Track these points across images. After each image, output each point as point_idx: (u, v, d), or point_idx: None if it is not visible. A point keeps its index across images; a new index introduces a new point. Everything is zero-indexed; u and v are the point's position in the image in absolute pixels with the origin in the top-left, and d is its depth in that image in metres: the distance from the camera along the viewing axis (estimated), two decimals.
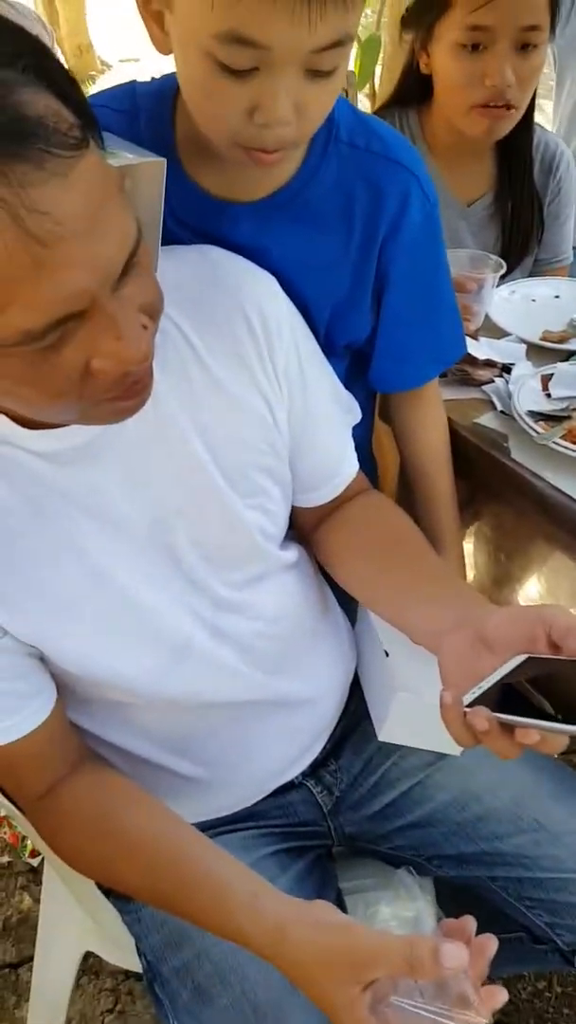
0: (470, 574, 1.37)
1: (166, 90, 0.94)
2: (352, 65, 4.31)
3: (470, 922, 0.76)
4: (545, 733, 0.68)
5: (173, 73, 0.90)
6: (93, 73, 8.10)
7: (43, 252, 0.58)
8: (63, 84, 0.61)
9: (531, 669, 0.73)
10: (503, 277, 1.50)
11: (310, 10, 0.73)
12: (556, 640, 0.73)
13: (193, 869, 0.81)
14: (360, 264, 1.03)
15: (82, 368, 0.66)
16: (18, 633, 0.81)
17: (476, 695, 0.73)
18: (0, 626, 0.80)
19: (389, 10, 4.38)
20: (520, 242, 1.63)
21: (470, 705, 0.72)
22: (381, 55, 4.49)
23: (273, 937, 0.75)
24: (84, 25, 8.04)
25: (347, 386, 1.06)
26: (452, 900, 1.11)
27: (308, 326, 0.99)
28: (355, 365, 1.15)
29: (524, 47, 1.38)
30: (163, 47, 0.84)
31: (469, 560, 1.35)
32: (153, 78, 0.99)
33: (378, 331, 1.09)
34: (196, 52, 0.78)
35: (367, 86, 4.73)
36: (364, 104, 4.93)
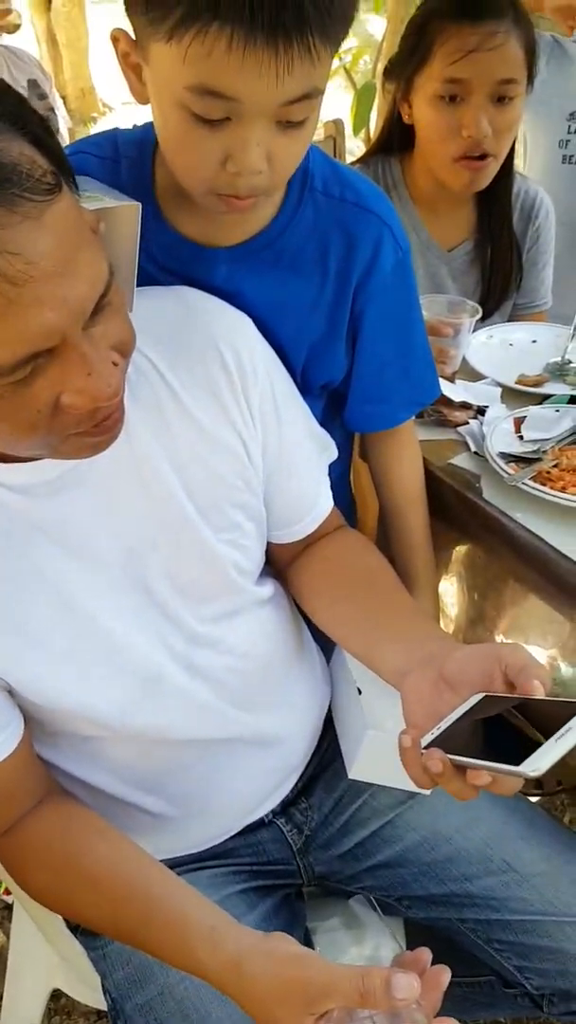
0: (447, 613, 1.38)
1: (147, 138, 0.97)
2: (348, 112, 4.42)
3: (425, 953, 0.76)
4: (496, 775, 0.69)
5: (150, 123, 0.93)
6: (95, 115, 8.25)
7: (13, 291, 0.60)
8: (39, 132, 0.64)
9: (489, 708, 0.74)
10: (482, 321, 1.53)
11: (277, 65, 0.75)
12: (511, 678, 0.75)
13: (154, 903, 0.81)
14: (334, 308, 1.05)
15: (52, 403, 0.68)
16: None
17: (434, 736, 0.73)
18: None
19: (384, 59, 4.50)
20: (499, 287, 1.66)
21: (427, 747, 0.73)
22: (376, 102, 4.60)
23: (230, 970, 0.75)
24: (87, 69, 8.21)
25: (324, 425, 1.08)
26: (422, 942, 1.10)
27: (285, 367, 1.01)
28: (332, 405, 1.17)
29: (501, 99, 1.41)
30: (141, 97, 0.87)
31: (444, 599, 1.36)
32: (135, 126, 1.02)
33: (353, 373, 1.12)
34: (170, 103, 0.81)
35: (363, 132, 4.84)
36: (360, 150, 5.03)
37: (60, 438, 0.72)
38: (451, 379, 1.40)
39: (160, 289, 0.95)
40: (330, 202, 1.00)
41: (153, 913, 0.80)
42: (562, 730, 0.66)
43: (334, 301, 1.05)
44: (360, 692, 1.02)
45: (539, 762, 0.64)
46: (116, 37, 0.85)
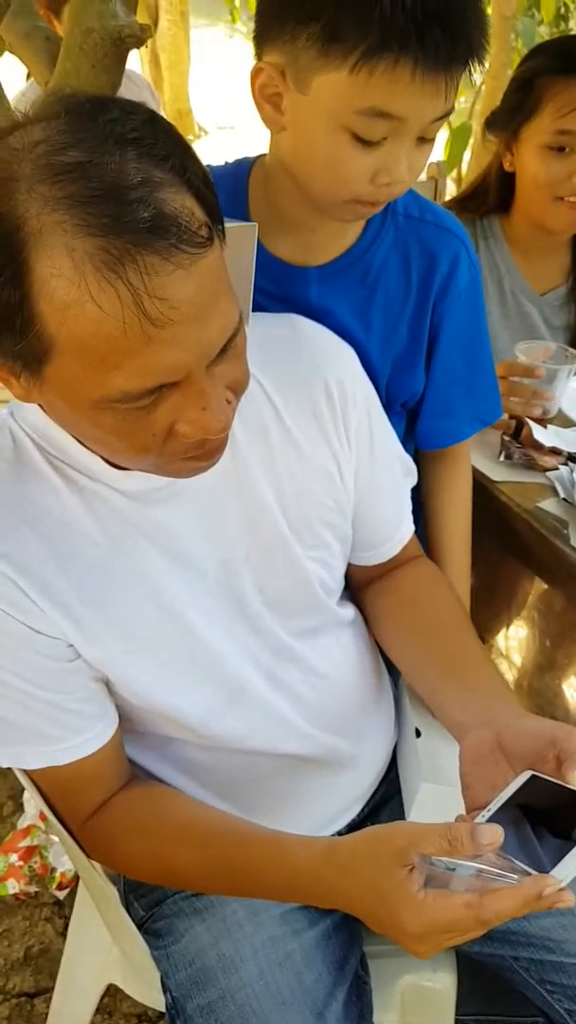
0: (513, 657, 1.39)
1: (240, 171, 1.07)
2: (442, 152, 4.47)
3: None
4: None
5: (244, 158, 1.07)
6: (191, 138, 8.44)
7: (154, 331, 0.66)
8: (200, 185, 0.69)
9: (535, 793, 0.77)
10: None
11: (445, 88, 0.87)
12: (562, 759, 0.77)
13: (245, 829, 0.86)
14: (416, 322, 1.12)
15: (167, 429, 0.73)
16: (88, 657, 0.86)
17: (486, 818, 0.76)
18: (74, 648, 0.85)
19: (482, 101, 4.55)
20: None
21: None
22: (471, 143, 4.64)
23: (323, 850, 0.79)
24: (186, 92, 8.40)
25: (405, 445, 1.13)
26: (473, 977, 1.12)
27: (372, 383, 1.05)
28: (408, 425, 1.22)
29: None
30: (276, 125, 0.96)
31: (513, 643, 1.38)
32: (226, 162, 1.11)
33: (428, 388, 1.17)
34: (331, 126, 0.90)
35: (454, 171, 4.88)
36: (451, 189, 5.07)
37: (167, 459, 0.77)
38: (544, 424, 1.42)
39: (273, 316, 1.00)
40: (410, 222, 1.09)
41: (246, 837, 0.85)
42: None
43: (415, 315, 1.12)
44: (419, 734, 1.04)
45: (567, 871, 0.68)
46: (260, 70, 0.92)
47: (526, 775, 0.78)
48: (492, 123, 1.58)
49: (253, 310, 1.03)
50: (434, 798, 0.98)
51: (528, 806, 0.76)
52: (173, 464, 0.78)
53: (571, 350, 1.47)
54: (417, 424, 1.21)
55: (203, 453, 0.78)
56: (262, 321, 0.97)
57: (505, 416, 1.42)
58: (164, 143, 0.67)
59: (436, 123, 0.92)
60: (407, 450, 1.15)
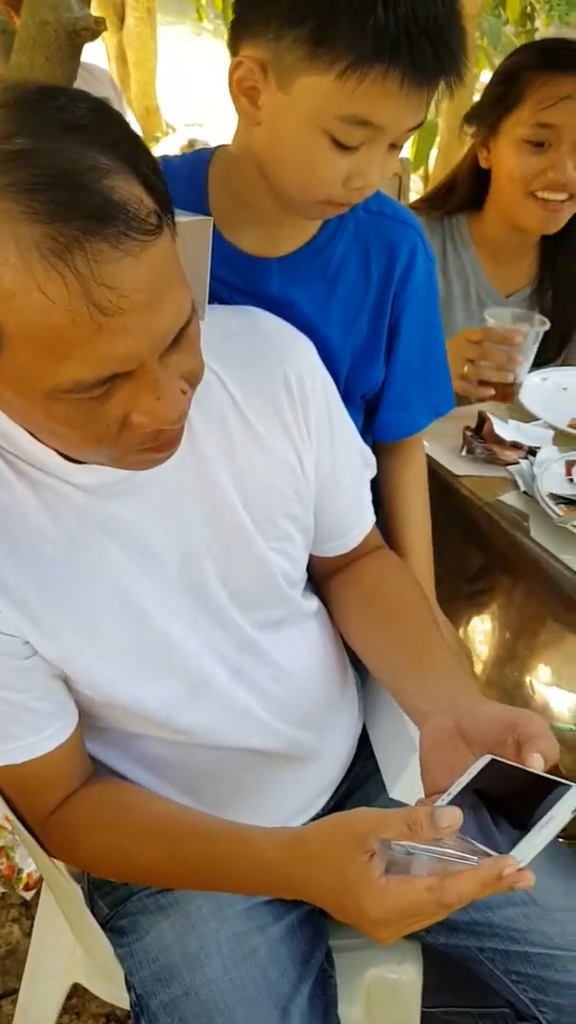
0: (477, 649, 1.40)
1: (200, 161, 1.07)
2: (409, 150, 4.48)
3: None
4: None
5: (204, 148, 1.07)
6: (158, 135, 8.41)
7: (104, 320, 0.65)
8: (149, 173, 0.68)
9: (495, 777, 0.77)
10: (542, 367, 1.56)
11: (426, 97, 0.89)
12: (521, 743, 0.78)
13: (213, 824, 0.86)
14: (376, 314, 1.13)
15: (121, 420, 0.73)
16: (46, 654, 0.85)
17: (447, 802, 0.76)
18: (31, 645, 0.84)
19: (448, 99, 4.57)
20: (561, 332, 1.69)
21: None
22: (437, 140, 4.66)
23: (290, 840, 0.80)
24: (153, 89, 8.38)
25: (363, 437, 1.13)
26: (440, 969, 1.12)
27: (332, 374, 1.05)
28: (367, 417, 1.23)
29: None
30: (252, 120, 0.95)
31: (475, 635, 1.39)
32: (185, 153, 1.11)
33: (387, 379, 1.19)
34: (310, 128, 0.90)
35: (421, 169, 4.90)
36: (418, 186, 5.10)
37: (123, 451, 0.77)
38: (515, 392, 1.44)
39: (231, 309, 1.00)
40: (369, 216, 1.10)
41: (212, 832, 0.85)
42: (546, 817, 0.70)
43: (375, 307, 1.13)
44: None
45: (526, 851, 0.68)
46: (239, 63, 0.92)
47: (485, 759, 0.79)
48: (472, 116, 1.59)
49: (213, 301, 1.03)
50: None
51: (488, 790, 0.76)
52: (129, 456, 0.78)
53: (538, 315, 1.48)
54: (376, 416, 1.22)
55: (159, 444, 0.78)
56: (220, 314, 0.97)
57: (475, 384, 1.43)
58: (112, 131, 0.67)
59: (410, 132, 0.94)
60: (365, 442, 1.15)
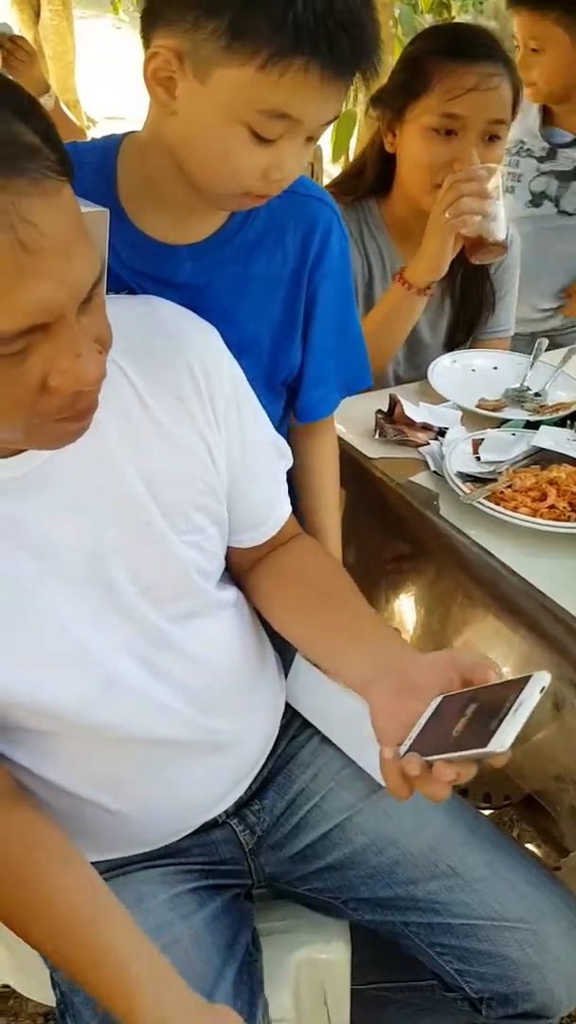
0: (394, 627, 1.42)
1: (109, 147, 1.05)
2: (329, 139, 4.50)
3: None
4: (468, 762, 0.76)
5: (113, 135, 1.05)
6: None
7: (25, 258, 0.65)
8: (48, 132, 0.69)
9: (451, 706, 0.80)
10: (452, 348, 1.58)
11: (343, 91, 0.91)
12: (467, 677, 0.82)
13: (99, 940, 0.84)
14: (292, 292, 1.13)
15: (39, 382, 0.72)
16: None
17: (408, 744, 0.80)
18: None
19: (363, 90, 4.59)
20: (470, 317, 1.72)
21: (405, 754, 0.79)
22: (356, 129, 4.69)
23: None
24: (73, 83, 8.25)
25: (281, 428, 1.14)
26: (370, 947, 1.14)
27: (251, 360, 1.05)
28: (287, 403, 1.24)
29: (490, 138, 1.48)
30: (167, 109, 0.94)
31: (392, 615, 1.41)
32: (94, 139, 1.10)
33: (305, 360, 1.19)
34: (228, 120, 0.90)
35: (342, 158, 4.91)
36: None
37: (40, 421, 0.75)
38: (483, 246, 1.45)
39: (132, 298, 0.98)
40: (282, 195, 1.07)
41: (96, 949, 0.84)
42: (514, 704, 0.73)
43: (292, 287, 1.13)
44: None
45: (504, 738, 0.71)
46: (155, 54, 0.90)
47: (437, 699, 0.82)
48: (378, 100, 1.58)
49: (122, 290, 1.02)
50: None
51: (454, 718, 0.79)
52: (45, 427, 0.76)
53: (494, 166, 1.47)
54: (296, 398, 1.23)
55: (76, 412, 0.77)
56: (121, 303, 0.94)
57: (462, 224, 1.42)
58: (4, 88, 0.68)
59: (327, 124, 0.95)
60: (281, 432, 1.15)
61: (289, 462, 1.12)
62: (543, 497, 1.18)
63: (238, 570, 1.10)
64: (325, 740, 1.15)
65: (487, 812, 1.73)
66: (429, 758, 0.77)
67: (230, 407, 0.97)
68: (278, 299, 1.13)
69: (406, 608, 1.39)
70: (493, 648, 1.24)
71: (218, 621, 1.03)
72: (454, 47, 1.47)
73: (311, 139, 0.95)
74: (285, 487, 1.10)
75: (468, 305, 1.70)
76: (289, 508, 1.10)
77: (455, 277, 1.68)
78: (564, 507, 1.18)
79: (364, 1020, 1.19)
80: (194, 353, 0.94)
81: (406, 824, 1.08)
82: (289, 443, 1.16)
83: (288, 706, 1.17)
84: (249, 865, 1.09)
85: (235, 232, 1.08)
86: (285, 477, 1.11)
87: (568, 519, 1.17)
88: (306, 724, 1.17)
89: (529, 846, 1.72)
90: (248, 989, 0.97)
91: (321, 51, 0.85)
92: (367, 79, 0.92)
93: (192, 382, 0.93)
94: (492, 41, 1.48)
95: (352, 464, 1.38)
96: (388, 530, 1.27)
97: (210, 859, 1.06)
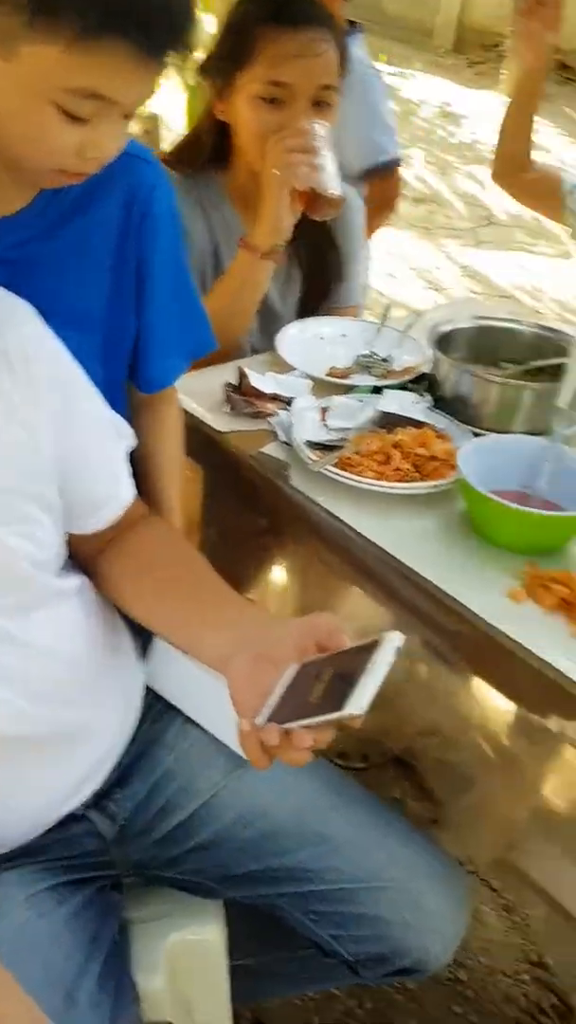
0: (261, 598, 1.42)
1: None
2: (185, 110, 4.41)
3: None
4: (325, 728, 0.76)
5: None
6: None
7: None
8: None
9: (307, 673, 0.80)
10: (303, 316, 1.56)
11: (158, 71, 0.88)
12: (323, 643, 0.82)
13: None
14: (120, 257, 1.10)
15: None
16: None
17: (267, 713, 0.79)
18: None
19: (177, 69, 4.51)
20: (320, 286, 1.71)
21: (263, 725, 0.78)
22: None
23: None
24: None
25: (122, 404, 1.11)
26: (244, 922, 1.13)
27: (86, 335, 1.01)
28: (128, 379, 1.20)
29: (319, 104, 1.46)
30: None
31: (257, 591, 1.40)
32: None
33: (143, 328, 1.16)
34: (37, 97, 0.86)
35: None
36: None
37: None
38: (337, 205, 1.45)
39: None
40: None
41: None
42: (368, 666, 0.73)
43: (119, 252, 1.10)
44: None
45: (360, 700, 0.71)
46: None
47: (292, 668, 0.81)
48: (205, 69, 1.55)
49: None
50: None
51: (311, 685, 0.78)
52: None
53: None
54: (139, 369, 1.19)
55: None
56: None
57: (292, 176, 1.42)
58: None
59: (143, 102, 0.91)
60: (117, 408, 1.11)
61: (130, 442, 1.09)
62: (387, 460, 1.19)
63: (84, 557, 1.06)
64: (189, 721, 1.13)
65: (365, 773, 1.75)
66: (287, 725, 0.76)
67: (53, 389, 0.93)
68: (106, 265, 1.09)
69: (270, 581, 1.38)
70: (355, 613, 1.24)
71: (60, 611, 0.99)
72: (278, 13, 1.44)
73: (128, 116, 0.92)
74: (126, 468, 1.06)
75: (316, 273, 1.69)
76: (133, 490, 1.06)
77: (300, 244, 1.67)
78: (408, 468, 1.18)
79: (246, 995, 1.19)
80: (9, 335, 0.89)
81: (272, 794, 1.08)
82: (130, 422, 1.13)
83: (149, 689, 1.15)
84: (113, 856, 1.06)
85: (49, 201, 1.03)
86: (126, 457, 1.07)
87: (412, 480, 1.17)
88: (169, 706, 1.14)
89: (411, 803, 1.75)
90: (114, 983, 0.95)
91: (131, 30, 0.82)
92: (182, 57, 0.89)
93: (7, 368, 0.88)
94: (316, 6, 1.47)
95: (205, 440, 1.35)
96: (245, 504, 1.26)
97: (70, 854, 1.03)
